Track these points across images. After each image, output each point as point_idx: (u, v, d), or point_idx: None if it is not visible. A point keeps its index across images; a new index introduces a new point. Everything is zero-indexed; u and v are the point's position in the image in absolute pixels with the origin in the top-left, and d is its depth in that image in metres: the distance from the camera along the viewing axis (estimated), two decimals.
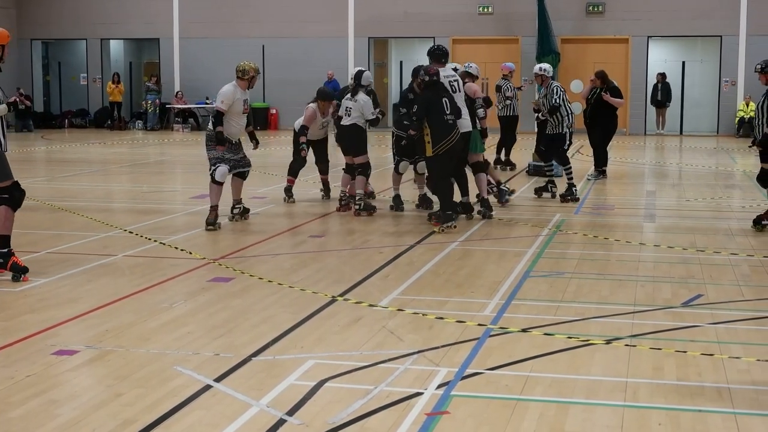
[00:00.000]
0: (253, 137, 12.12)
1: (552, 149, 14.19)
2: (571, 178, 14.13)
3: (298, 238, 11.03)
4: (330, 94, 13.64)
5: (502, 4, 29.93)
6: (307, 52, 30.46)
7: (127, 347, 6.58)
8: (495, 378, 5.99)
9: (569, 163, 14.31)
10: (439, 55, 12.06)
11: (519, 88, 21.16)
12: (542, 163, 14.98)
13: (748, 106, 28.72)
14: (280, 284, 8.55)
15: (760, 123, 11.46)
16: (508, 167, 18.51)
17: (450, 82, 11.71)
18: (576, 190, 14.13)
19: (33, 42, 33.70)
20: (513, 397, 5.62)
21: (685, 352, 6.54)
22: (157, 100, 32.05)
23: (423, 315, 7.43)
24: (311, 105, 13.30)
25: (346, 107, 12.69)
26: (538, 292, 8.38)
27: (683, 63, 30.38)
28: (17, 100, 9.44)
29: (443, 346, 6.60)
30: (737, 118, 29.09)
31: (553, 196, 14.15)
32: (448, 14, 30.22)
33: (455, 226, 11.32)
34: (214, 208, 11.44)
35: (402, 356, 6.37)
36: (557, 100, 13.94)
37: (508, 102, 18.26)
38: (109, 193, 15.80)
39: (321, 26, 30.87)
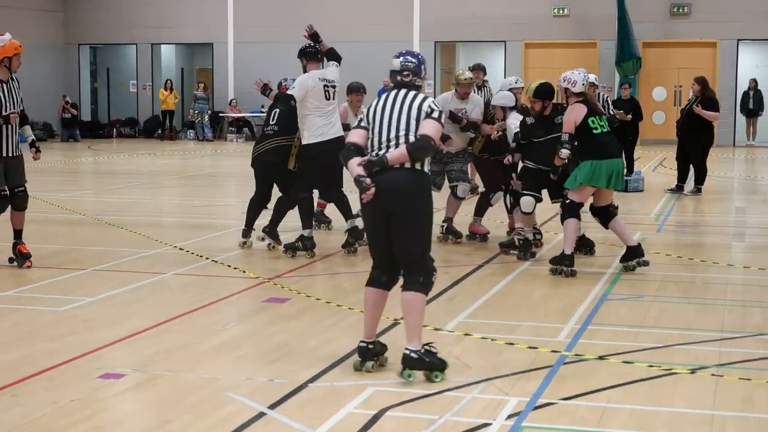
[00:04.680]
0: None
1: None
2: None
3: (359, 256, 11.04)
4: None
5: (579, 6, 29.78)
6: (369, 57, 30.38)
7: (176, 371, 6.65)
8: (569, 409, 5.95)
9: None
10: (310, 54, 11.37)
11: None
12: None
13: None
14: (339, 306, 8.58)
15: None
16: None
17: None
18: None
19: (81, 47, 34.26)
20: (589, 430, 5.59)
21: (749, 379, 6.46)
22: (207, 110, 32.36)
23: (492, 340, 7.41)
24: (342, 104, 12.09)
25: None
26: (617, 316, 8.32)
27: None
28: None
29: (513, 374, 6.58)
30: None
31: None
32: (520, 16, 30.14)
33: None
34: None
35: (469, 384, 6.36)
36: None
37: None
38: (158, 207, 15.99)
39: (383, 30, 30.94)
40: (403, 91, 6.65)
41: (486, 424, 5.63)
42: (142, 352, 7.14)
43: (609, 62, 29.01)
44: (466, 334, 7.57)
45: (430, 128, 6.49)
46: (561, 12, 30.08)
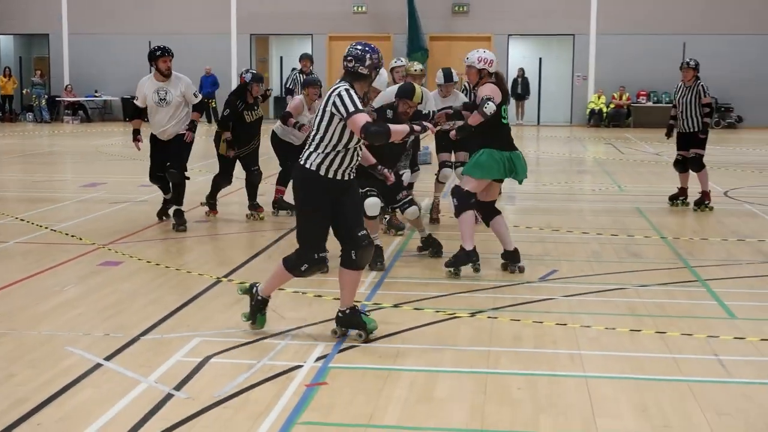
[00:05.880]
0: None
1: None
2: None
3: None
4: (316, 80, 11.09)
5: (375, 4, 29.98)
6: (192, 48, 29.93)
7: (18, 330, 6.41)
8: (369, 350, 6.03)
9: None
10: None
11: None
12: None
13: (599, 98, 29.57)
14: (167, 267, 8.44)
15: (689, 115, 12.08)
16: None
17: None
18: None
19: None
20: (386, 368, 5.68)
21: (541, 322, 6.70)
22: (44, 94, 31.19)
23: (303, 293, 7.43)
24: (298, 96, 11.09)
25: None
26: (410, 271, 8.46)
27: (540, 59, 30.96)
28: None
29: (321, 322, 6.62)
30: (588, 110, 29.87)
31: None
32: (325, 13, 30.13)
33: None
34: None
35: (283, 332, 6.37)
36: None
37: None
38: (0, 183, 15.31)
39: (205, 23, 30.43)
40: (335, 85, 6.07)
41: (298, 366, 5.66)
42: None
43: (401, 53, 29.28)
44: (280, 289, 7.56)
45: (352, 126, 5.89)
46: (360, 9, 30.23)
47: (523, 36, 30.69)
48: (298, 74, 15.26)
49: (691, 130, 12.14)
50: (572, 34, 29.87)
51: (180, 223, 10.32)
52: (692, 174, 12.31)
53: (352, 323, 6.22)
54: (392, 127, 6.01)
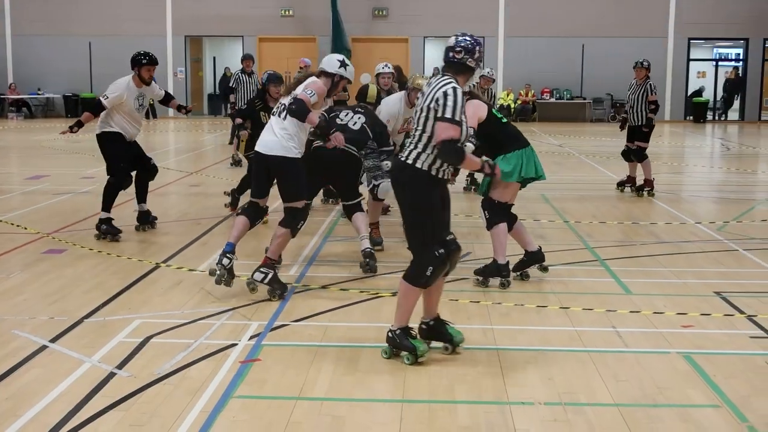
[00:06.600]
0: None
1: None
2: None
3: (125, 212, 10.68)
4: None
5: (302, 8, 29.80)
6: (130, 48, 29.27)
7: None
8: (299, 329, 6.01)
9: None
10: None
11: None
12: None
13: (508, 95, 29.89)
14: (108, 254, 8.30)
15: (637, 110, 12.48)
16: None
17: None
18: None
19: None
20: (315, 344, 5.67)
21: (456, 300, 6.75)
22: None
23: (237, 277, 7.36)
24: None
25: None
26: (336, 254, 8.44)
27: None
28: None
29: (254, 303, 6.58)
30: (498, 106, 30.14)
31: None
32: (255, 16, 29.85)
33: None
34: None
35: (218, 313, 6.32)
36: None
37: None
38: None
39: (142, 25, 29.88)
40: (437, 78, 5.33)
41: (233, 344, 5.62)
42: None
43: (326, 53, 29.21)
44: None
45: (439, 131, 5.19)
46: (287, 13, 30.00)
47: (438, 38, 30.78)
48: (240, 74, 15.13)
49: (637, 124, 12.51)
50: (482, 36, 30.08)
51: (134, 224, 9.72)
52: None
53: (440, 335, 5.55)
54: (470, 156, 5.34)
